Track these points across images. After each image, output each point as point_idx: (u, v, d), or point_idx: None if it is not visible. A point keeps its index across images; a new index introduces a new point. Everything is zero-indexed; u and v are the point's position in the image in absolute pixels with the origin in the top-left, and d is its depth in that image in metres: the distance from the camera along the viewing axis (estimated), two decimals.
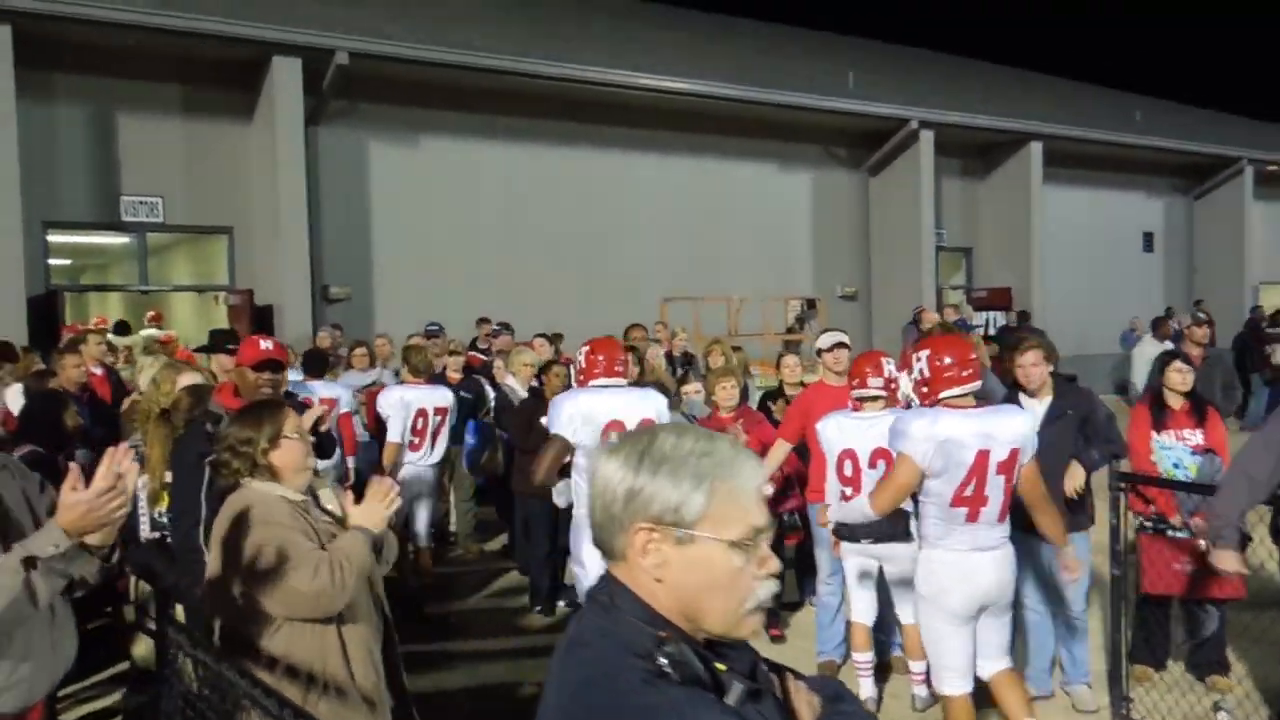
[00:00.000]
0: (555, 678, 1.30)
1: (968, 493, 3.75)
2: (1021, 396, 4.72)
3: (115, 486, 2.20)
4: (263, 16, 11.43)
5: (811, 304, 15.39)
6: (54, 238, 11.42)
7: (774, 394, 6.86)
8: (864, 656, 4.96)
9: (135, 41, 10.90)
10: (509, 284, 13.30)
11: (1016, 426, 3.82)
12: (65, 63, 11.00)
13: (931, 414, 3.78)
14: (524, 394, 7.29)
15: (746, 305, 14.28)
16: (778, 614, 6.17)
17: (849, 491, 4.68)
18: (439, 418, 6.86)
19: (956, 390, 3.80)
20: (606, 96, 13.82)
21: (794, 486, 5.73)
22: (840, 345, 5.31)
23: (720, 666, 1.25)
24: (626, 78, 13.64)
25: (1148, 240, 21.33)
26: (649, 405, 4.88)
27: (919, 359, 3.93)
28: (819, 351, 5.37)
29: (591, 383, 4.96)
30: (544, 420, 6.47)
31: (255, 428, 2.95)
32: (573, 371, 5.34)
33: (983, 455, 3.72)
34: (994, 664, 3.91)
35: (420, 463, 6.80)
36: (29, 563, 2.11)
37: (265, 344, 3.87)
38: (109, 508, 2.19)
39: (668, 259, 14.77)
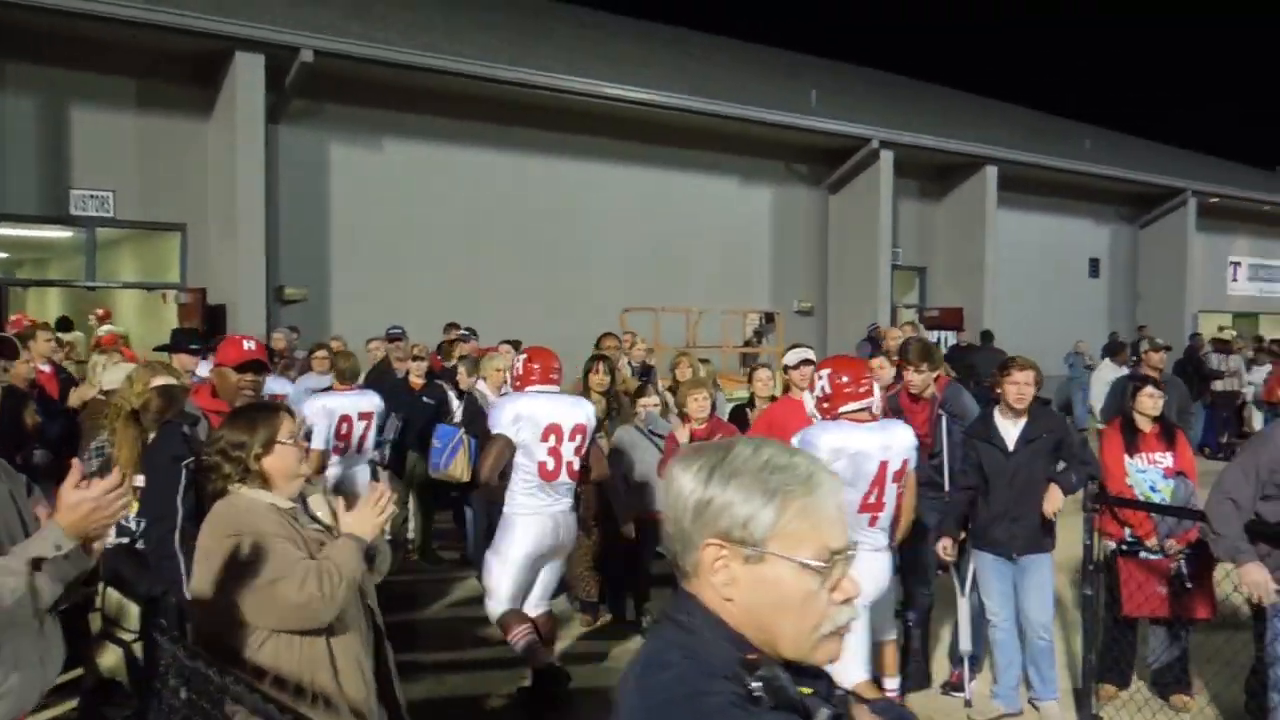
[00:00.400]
0: (631, 699, 1.23)
1: (871, 500, 4.19)
2: (996, 416, 4.76)
3: (122, 485, 2.11)
4: (227, 11, 11.20)
5: (770, 318, 15.46)
6: (1, 230, 11.07)
7: (748, 405, 6.87)
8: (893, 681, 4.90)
9: (91, 31, 10.60)
10: (469, 290, 13.16)
11: (907, 439, 4.35)
12: (15, 50, 10.67)
13: (837, 428, 4.16)
14: (495, 399, 7.19)
15: (705, 317, 14.30)
16: None
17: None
18: (364, 423, 6.82)
19: (854, 405, 4.23)
20: (571, 104, 13.77)
21: None
22: (806, 362, 5.35)
23: (805, 690, 1.20)
24: (590, 86, 13.60)
25: (1094, 266, 21.80)
26: (581, 412, 5.10)
27: (820, 377, 4.33)
28: (786, 368, 5.41)
29: (528, 388, 5.10)
30: None
31: (249, 432, 2.85)
32: (508, 377, 5.58)
33: (883, 465, 4.19)
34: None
35: (347, 466, 6.78)
36: (35, 564, 2.01)
37: (248, 344, 3.75)
38: (114, 507, 2.10)
39: (628, 269, 14.75)
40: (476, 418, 7.34)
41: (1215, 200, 22.03)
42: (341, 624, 2.82)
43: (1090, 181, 20.05)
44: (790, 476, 1.23)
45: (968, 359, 11.91)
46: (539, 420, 4.91)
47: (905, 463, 4.30)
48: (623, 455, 6.20)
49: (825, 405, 4.29)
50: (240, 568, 2.70)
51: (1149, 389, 5.33)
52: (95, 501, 2.07)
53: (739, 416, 6.72)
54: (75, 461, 2.14)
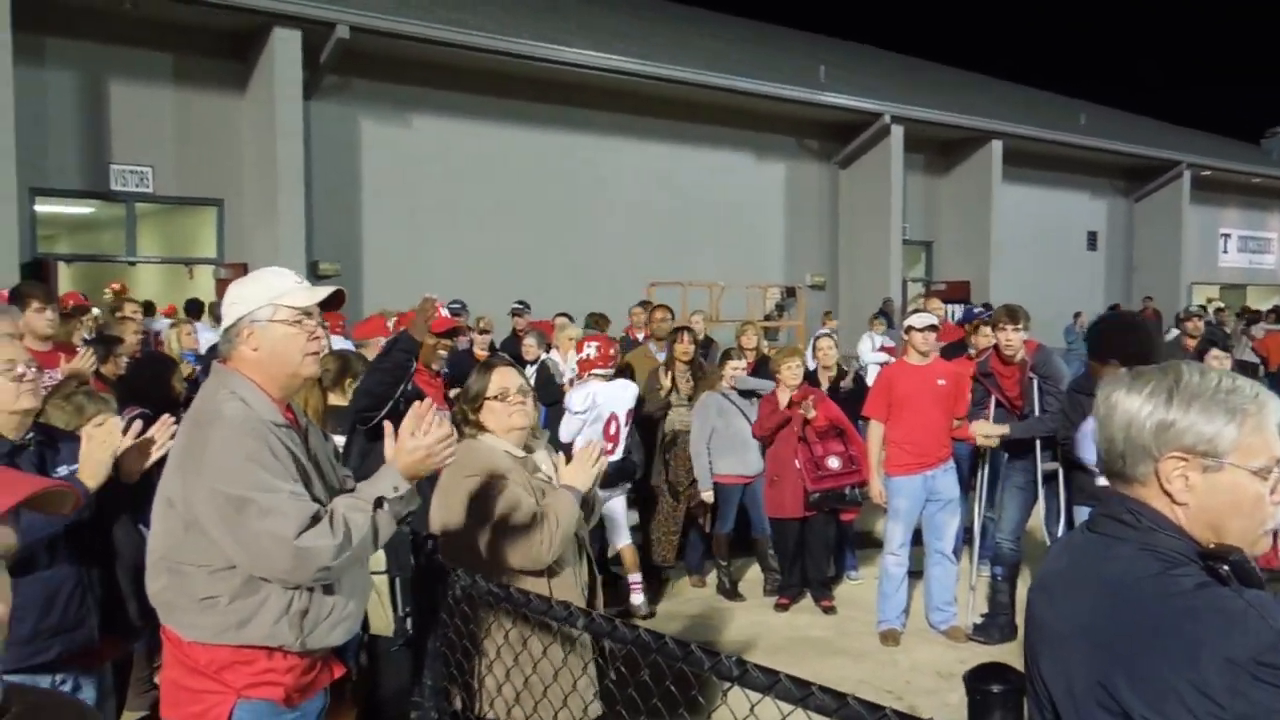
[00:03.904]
0: (1086, 582, 1.47)
1: None
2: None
3: (450, 435, 2.33)
4: None
5: (791, 292, 15.73)
6: (41, 206, 11.10)
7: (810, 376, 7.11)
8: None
9: (131, 6, 10.64)
10: (497, 264, 13.34)
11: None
12: (58, 26, 10.70)
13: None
14: (565, 367, 7.42)
15: (728, 292, 14.55)
16: (828, 586, 6.43)
17: None
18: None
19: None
20: (592, 80, 13.93)
21: (856, 461, 5.99)
22: (932, 328, 5.55)
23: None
24: (612, 62, 13.77)
25: (1091, 239, 22.21)
26: (631, 395, 6.01)
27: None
28: (908, 329, 5.61)
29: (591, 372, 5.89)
30: None
31: (471, 386, 3.11)
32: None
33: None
34: None
35: None
36: (378, 503, 2.24)
37: (444, 312, 3.99)
38: (443, 454, 2.32)
39: (650, 243, 14.97)
40: (548, 386, 7.59)
41: (1207, 173, 22.47)
42: (560, 566, 3.07)
43: (1087, 155, 20.43)
44: (1242, 397, 1.47)
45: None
46: (602, 406, 5.62)
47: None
48: (707, 420, 6.44)
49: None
50: (473, 506, 2.96)
51: (1216, 351, 5.62)
52: (429, 448, 2.30)
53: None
54: (414, 407, 2.36)
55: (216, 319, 7.34)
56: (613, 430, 5.74)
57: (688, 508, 6.69)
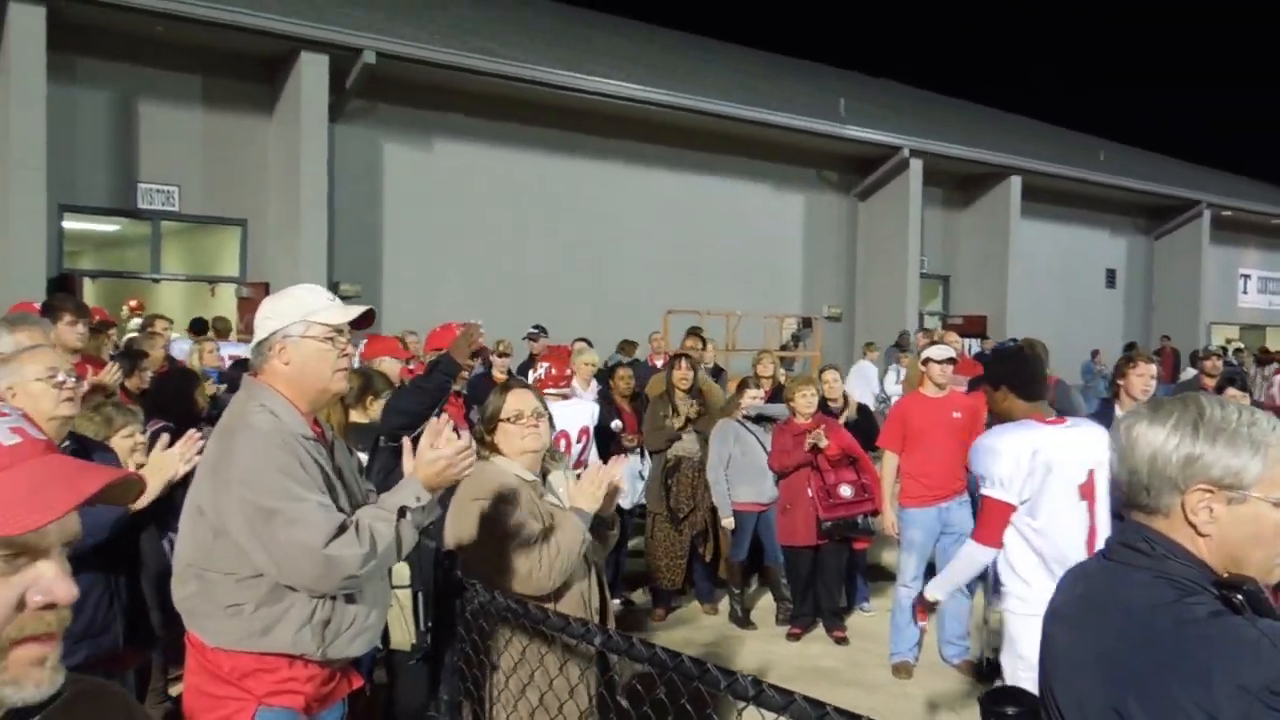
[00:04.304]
0: (1100, 609, 1.50)
1: None
2: (1117, 410, 5.04)
3: (469, 447, 2.37)
4: (292, 12, 11.47)
5: (807, 322, 15.77)
6: (69, 222, 11.28)
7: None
8: None
9: (163, 28, 10.84)
10: (514, 289, 13.45)
11: None
12: (90, 47, 10.90)
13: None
14: (581, 393, 7.45)
15: (745, 321, 14.60)
16: (840, 616, 6.42)
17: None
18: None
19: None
20: (613, 109, 14.07)
21: (869, 490, 6.00)
22: (950, 360, 5.57)
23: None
24: (632, 91, 13.92)
25: (1110, 276, 22.19)
26: (586, 413, 6.14)
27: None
28: (926, 361, 5.63)
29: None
30: (615, 424, 6.82)
31: (487, 408, 3.13)
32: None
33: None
34: None
35: None
36: (401, 513, 2.28)
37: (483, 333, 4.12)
38: (463, 465, 2.37)
39: (668, 272, 15.05)
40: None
41: (1228, 213, 22.45)
42: (565, 588, 3.05)
43: (1107, 192, 20.45)
44: (1263, 430, 1.50)
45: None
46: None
47: None
48: (725, 447, 6.46)
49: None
50: (480, 528, 2.95)
51: (1232, 390, 5.62)
52: (449, 459, 2.34)
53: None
54: (432, 421, 2.41)
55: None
56: (562, 448, 5.75)
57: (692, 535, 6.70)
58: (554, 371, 5.79)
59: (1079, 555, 3.32)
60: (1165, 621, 1.43)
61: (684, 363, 7.05)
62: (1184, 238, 22.27)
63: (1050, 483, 3.50)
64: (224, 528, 2.23)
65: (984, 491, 3.65)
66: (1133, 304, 22.50)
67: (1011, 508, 3.55)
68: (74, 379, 2.80)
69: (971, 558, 3.75)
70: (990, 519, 3.62)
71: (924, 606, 4.02)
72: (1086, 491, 3.56)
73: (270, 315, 2.42)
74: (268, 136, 12.13)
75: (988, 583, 6.00)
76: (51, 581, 0.92)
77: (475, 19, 15.11)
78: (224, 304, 12.74)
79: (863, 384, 12.19)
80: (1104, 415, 5.06)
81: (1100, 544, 3.49)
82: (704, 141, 15.50)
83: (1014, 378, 3.81)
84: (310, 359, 2.37)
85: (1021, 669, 3.54)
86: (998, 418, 3.91)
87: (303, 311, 2.39)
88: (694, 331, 9.12)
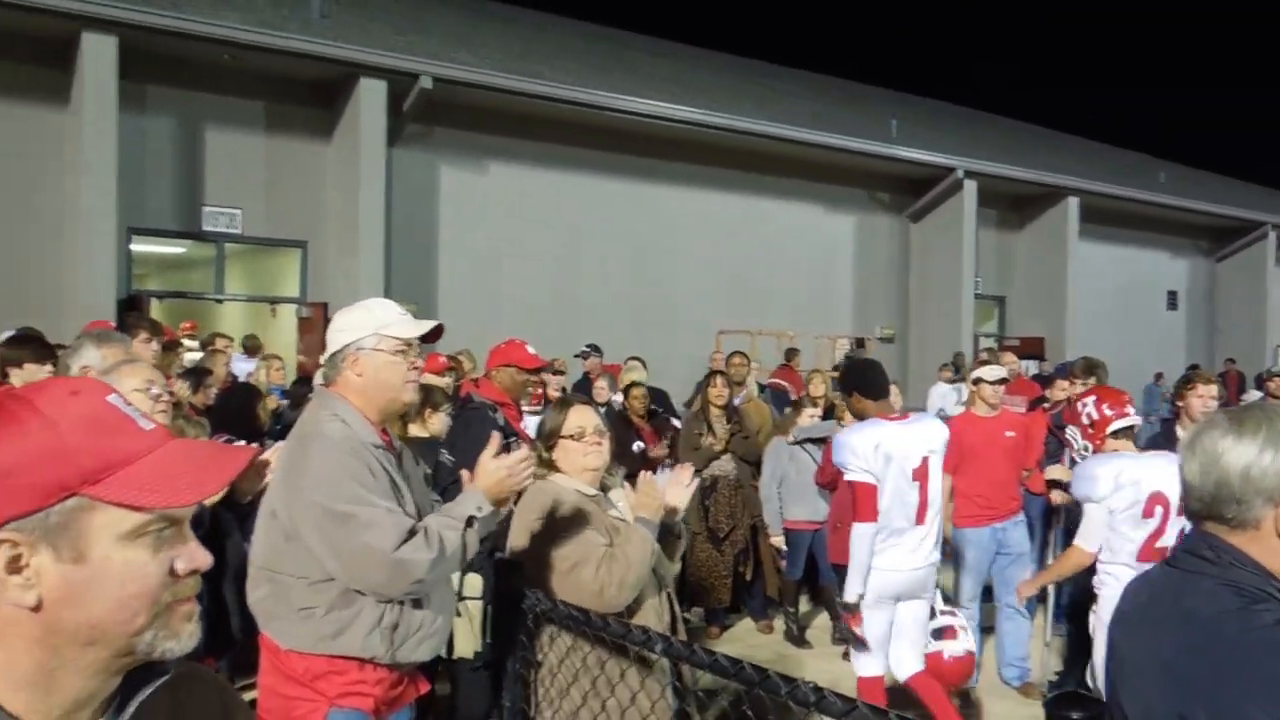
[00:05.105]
0: (1164, 616, 1.50)
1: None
2: (1178, 430, 4.97)
3: (529, 457, 2.42)
4: (352, 39, 11.75)
5: (861, 343, 15.69)
6: (137, 245, 11.62)
7: None
8: None
9: (229, 57, 11.17)
10: (566, 309, 13.56)
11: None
12: (159, 75, 11.25)
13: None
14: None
15: (797, 341, 14.56)
16: None
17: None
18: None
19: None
20: (664, 131, 14.17)
21: None
22: (1002, 381, 5.53)
23: None
24: (685, 113, 14.02)
25: (1172, 298, 21.78)
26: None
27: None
28: (978, 381, 5.59)
29: None
30: (637, 445, 6.82)
31: (547, 424, 3.12)
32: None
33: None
34: None
35: None
36: (467, 522, 2.33)
37: (531, 349, 4.15)
38: (523, 475, 2.41)
39: (717, 291, 15.08)
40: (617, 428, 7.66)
41: None
42: (638, 604, 3.05)
43: (1167, 214, 20.10)
44: None
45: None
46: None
47: None
48: (778, 465, 6.46)
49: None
50: (544, 549, 2.89)
51: None
52: (509, 469, 2.39)
53: None
54: (495, 435, 2.46)
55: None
56: None
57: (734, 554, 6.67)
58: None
59: (908, 525, 4.22)
60: (1231, 629, 1.43)
61: (719, 380, 7.02)
62: (1248, 259, 21.81)
63: (890, 469, 4.17)
64: (296, 531, 2.29)
65: (848, 478, 4.26)
66: (1195, 326, 22.05)
67: (874, 487, 4.16)
68: (167, 393, 2.93)
69: (859, 536, 4.19)
70: (861, 501, 4.19)
71: (849, 612, 4.30)
72: (919, 474, 4.24)
73: (343, 328, 2.49)
74: (327, 160, 12.40)
75: (1048, 606, 5.93)
76: (194, 550, 1.04)
77: (528, 44, 15.34)
78: (284, 324, 13.01)
79: (941, 404, 12.17)
80: (1166, 435, 4.99)
81: (929, 517, 4.31)
82: (755, 163, 15.54)
83: (861, 384, 4.42)
84: (382, 370, 2.44)
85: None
86: (855, 418, 4.52)
87: (375, 325, 2.47)
88: (738, 353, 9.15)
